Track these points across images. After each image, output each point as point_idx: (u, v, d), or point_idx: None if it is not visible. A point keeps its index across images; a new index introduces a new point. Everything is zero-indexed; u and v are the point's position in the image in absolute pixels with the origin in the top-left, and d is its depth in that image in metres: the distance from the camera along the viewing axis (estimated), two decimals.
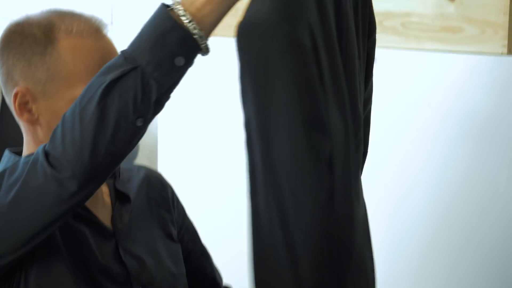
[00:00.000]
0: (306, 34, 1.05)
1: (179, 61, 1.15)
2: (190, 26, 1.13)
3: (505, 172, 1.76)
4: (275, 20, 1.04)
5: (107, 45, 1.37)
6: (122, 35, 3.28)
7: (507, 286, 1.77)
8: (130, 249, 1.43)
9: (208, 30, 1.15)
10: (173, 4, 1.14)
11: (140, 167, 1.59)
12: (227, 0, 1.15)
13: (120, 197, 1.47)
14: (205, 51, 1.16)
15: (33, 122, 1.37)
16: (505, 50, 1.79)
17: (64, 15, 1.37)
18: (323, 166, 1.07)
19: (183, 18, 1.13)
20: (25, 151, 1.40)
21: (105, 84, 1.15)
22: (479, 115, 1.81)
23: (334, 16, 1.12)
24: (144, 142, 3.59)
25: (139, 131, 1.18)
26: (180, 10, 1.13)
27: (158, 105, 1.17)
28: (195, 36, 1.14)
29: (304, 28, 1.05)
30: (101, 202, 1.44)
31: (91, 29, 1.36)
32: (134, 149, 3.13)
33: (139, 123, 1.16)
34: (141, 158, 3.75)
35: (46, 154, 1.19)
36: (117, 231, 1.43)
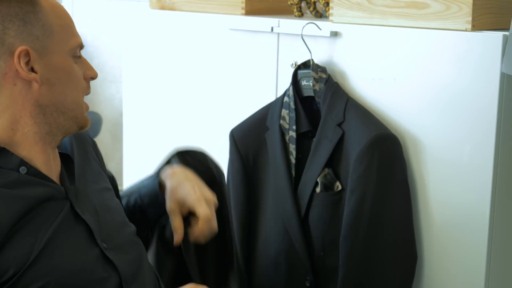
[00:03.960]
0: None
1: None
2: None
3: (468, 145, 1.77)
4: None
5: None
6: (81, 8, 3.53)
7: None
8: (86, 206, 1.47)
9: None
10: None
11: None
12: None
13: (62, 159, 1.52)
14: None
15: (33, 80, 1.40)
16: (469, 26, 1.78)
17: None
18: None
19: None
20: (9, 114, 1.41)
21: None
22: (443, 90, 1.81)
23: None
24: (106, 116, 3.45)
25: None
26: None
27: None
28: None
29: None
30: (53, 166, 1.47)
31: None
32: (97, 124, 3.22)
33: None
34: (104, 132, 3.23)
35: None
36: (68, 192, 1.45)
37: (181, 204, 1.62)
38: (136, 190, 1.72)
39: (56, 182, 1.46)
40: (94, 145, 1.66)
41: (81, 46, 1.48)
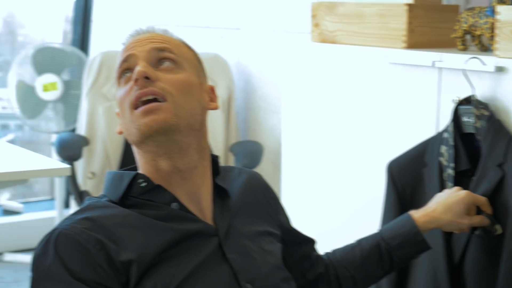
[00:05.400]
0: None
1: None
2: None
3: None
4: None
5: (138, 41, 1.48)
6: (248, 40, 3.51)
7: None
8: (234, 245, 1.45)
9: None
10: None
11: (242, 170, 1.64)
12: None
13: (220, 193, 1.52)
14: None
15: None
16: None
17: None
18: None
19: None
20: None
21: None
22: None
23: None
24: (268, 146, 3.28)
25: None
26: None
27: None
28: None
29: None
30: (204, 199, 1.48)
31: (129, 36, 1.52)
32: (258, 154, 3.13)
33: None
34: (266, 162, 2.76)
35: None
36: (219, 228, 1.46)
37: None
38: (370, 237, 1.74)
39: (207, 216, 1.47)
40: (268, 190, 1.64)
41: (122, 71, 1.47)
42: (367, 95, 2.24)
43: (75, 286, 1.30)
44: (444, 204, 1.73)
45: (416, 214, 1.72)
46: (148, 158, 1.45)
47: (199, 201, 1.47)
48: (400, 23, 2.19)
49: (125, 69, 1.46)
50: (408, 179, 1.96)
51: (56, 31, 4.98)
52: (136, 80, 1.41)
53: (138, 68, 1.42)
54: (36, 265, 1.35)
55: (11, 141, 4.82)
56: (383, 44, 2.22)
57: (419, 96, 2.09)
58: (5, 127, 4.96)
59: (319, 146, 2.42)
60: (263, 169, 3.50)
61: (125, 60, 1.46)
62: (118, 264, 1.34)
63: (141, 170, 1.47)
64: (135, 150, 1.48)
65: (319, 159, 2.42)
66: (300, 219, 2.41)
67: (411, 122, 2.11)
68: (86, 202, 1.46)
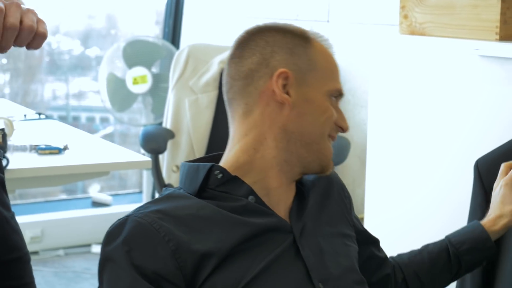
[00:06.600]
0: None
1: None
2: None
3: None
4: None
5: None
6: (337, 33, 3.45)
7: None
8: (308, 244, 1.43)
9: None
10: None
11: None
12: None
13: (298, 193, 1.51)
14: None
15: (283, 104, 1.43)
16: None
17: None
18: None
19: None
20: (255, 134, 1.44)
21: None
22: None
23: None
24: (355, 142, 3.04)
25: None
26: None
27: None
28: None
29: None
30: (283, 196, 1.46)
31: (325, 41, 1.51)
32: (345, 149, 2.92)
33: None
34: (353, 157, 2.88)
35: None
36: (294, 225, 1.44)
37: None
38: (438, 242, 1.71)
39: (284, 214, 1.44)
40: (343, 190, 1.62)
41: (339, 94, 1.50)
42: (457, 89, 2.15)
43: (130, 273, 1.31)
44: (494, 202, 1.71)
45: (483, 221, 1.70)
46: (285, 157, 1.45)
47: (279, 196, 1.45)
48: (493, 14, 2.09)
49: (341, 92, 1.50)
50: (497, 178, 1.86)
51: (148, 25, 5.02)
52: (340, 130, 1.49)
53: (347, 126, 1.50)
54: (103, 247, 1.36)
55: (110, 134, 4.91)
56: (475, 36, 2.12)
57: (511, 91, 1.98)
58: (105, 120, 5.03)
59: (406, 141, 2.34)
60: (349, 165, 3.43)
61: (339, 92, 1.50)
62: (188, 256, 1.32)
63: (237, 155, 1.44)
64: (279, 143, 1.44)
65: (405, 154, 2.35)
66: (385, 215, 2.36)
67: (502, 118, 2.01)
68: (164, 192, 1.45)
